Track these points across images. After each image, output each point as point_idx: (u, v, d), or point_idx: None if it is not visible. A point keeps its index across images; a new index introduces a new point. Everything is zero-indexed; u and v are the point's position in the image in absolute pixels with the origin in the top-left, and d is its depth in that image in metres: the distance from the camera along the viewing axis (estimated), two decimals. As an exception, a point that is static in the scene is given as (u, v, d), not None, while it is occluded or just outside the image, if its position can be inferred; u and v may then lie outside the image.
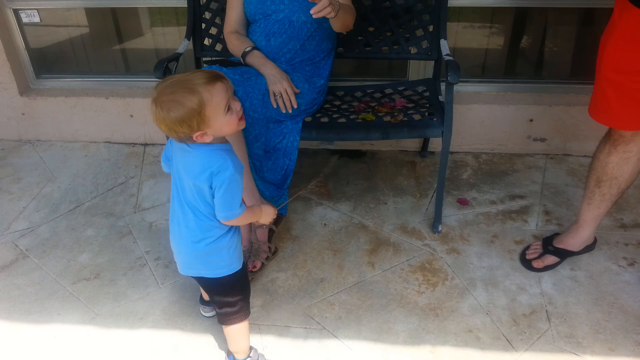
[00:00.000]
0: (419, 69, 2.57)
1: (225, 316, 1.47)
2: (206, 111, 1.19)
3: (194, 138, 1.22)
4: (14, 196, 2.43)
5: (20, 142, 2.88)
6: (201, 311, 1.75)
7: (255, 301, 1.80)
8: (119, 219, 2.25)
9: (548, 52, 2.58)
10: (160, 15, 2.74)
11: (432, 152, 2.62)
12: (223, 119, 1.23)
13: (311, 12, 1.68)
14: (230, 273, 1.41)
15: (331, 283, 1.87)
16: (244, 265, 1.47)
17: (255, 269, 1.85)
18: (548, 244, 1.91)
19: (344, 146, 2.68)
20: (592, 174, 1.77)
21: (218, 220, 1.32)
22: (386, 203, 2.28)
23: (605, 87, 1.57)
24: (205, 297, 1.69)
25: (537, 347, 1.60)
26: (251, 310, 1.75)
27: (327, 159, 2.62)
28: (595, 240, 1.94)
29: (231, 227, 1.38)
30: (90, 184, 2.49)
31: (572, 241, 1.88)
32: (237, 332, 1.50)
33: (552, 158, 2.54)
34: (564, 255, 1.89)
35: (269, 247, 1.93)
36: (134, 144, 2.81)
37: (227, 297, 1.45)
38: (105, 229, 2.18)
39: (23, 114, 2.83)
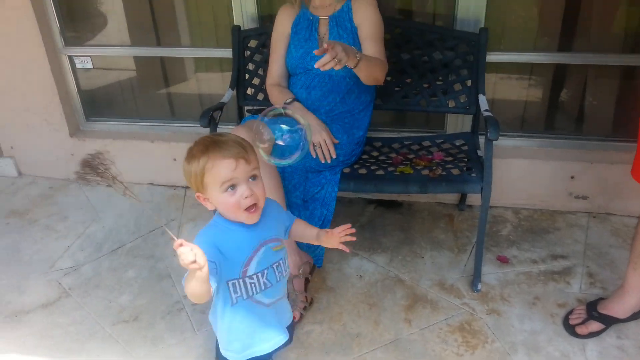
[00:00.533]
0: (457, 122, 2.58)
1: None
2: (205, 178, 1.16)
3: (197, 198, 1.22)
4: (59, 234, 2.51)
5: (67, 181, 2.99)
6: None
7: (289, 354, 1.79)
8: (159, 261, 2.29)
9: (588, 107, 2.57)
10: (204, 62, 2.85)
11: (470, 206, 2.60)
12: (219, 196, 1.17)
13: (315, 66, 1.64)
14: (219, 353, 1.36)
15: (367, 339, 1.85)
16: None
17: (295, 319, 1.85)
18: (592, 310, 1.85)
19: (380, 196, 2.69)
20: (638, 238, 1.72)
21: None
22: (423, 257, 2.27)
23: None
24: None
25: (582, 421, 1.53)
26: (286, 364, 1.75)
27: (363, 209, 2.63)
28: (643, 307, 1.87)
29: (219, 306, 1.29)
30: (133, 225, 2.56)
31: (618, 308, 1.82)
32: None
33: (594, 217, 2.48)
34: (609, 322, 1.83)
35: (306, 297, 1.93)
36: (176, 187, 2.88)
37: None
38: (146, 271, 2.23)
39: (72, 155, 2.95)
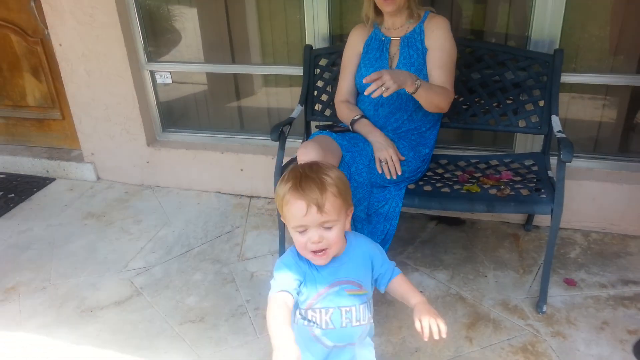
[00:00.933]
0: (526, 142, 2.54)
1: None
2: (283, 209, 1.20)
3: (282, 219, 1.25)
4: (133, 236, 2.66)
5: (142, 187, 3.17)
6: None
7: None
8: (224, 266, 2.38)
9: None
10: (274, 78, 2.96)
11: (537, 227, 2.53)
12: (292, 231, 1.21)
13: (365, 93, 1.78)
14: None
15: (426, 354, 1.84)
16: None
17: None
18: (667, 339, 1.76)
19: (442, 213, 2.67)
20: None
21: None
22: (486, 276, 2.23)
23: None
24: None
25: None
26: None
27: (425, 225, 2.63)
28: None
29: None
30: (201, 231, 2.67)
31: (696, 338, 1.73)
32: None
33: (671, 243, 2.36)
34: (685, 352, 1.73)
35: (366, 310, 1.94)
36: (241, 196, 2.99)
37: None
38: (212, 275, 2.32)
39: (147, 162, 3.13)
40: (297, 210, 1.15)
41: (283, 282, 1.21)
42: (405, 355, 1.84)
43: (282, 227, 2.26)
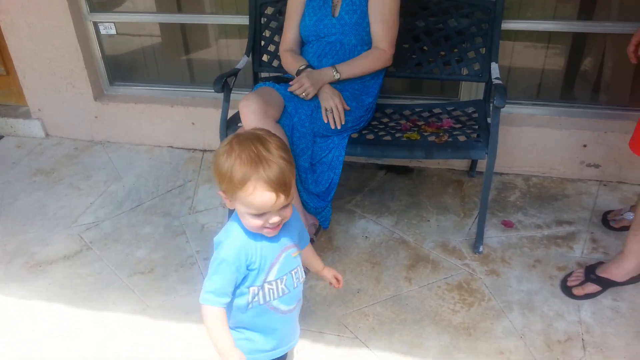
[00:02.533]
0: (471, 90, 2.58)
1: None
2: (238, 193, 1.07)
3: (219, 193, 1.14)
4: (82, 192, 2.64)
5: (92, 142, 3.12)
6: None
7: (293, 306, 1.88)
8: (175, 219, 2.40)
9: (605, 77, 2.53)
10: (225, 29, 2.90)
11: (481, 173, 2.61)
12: (245, 214, 1.11)
13: (290, 90, 1.99)
14: None
15: (367, 294, 1.92)
16: None
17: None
18: (591, 272, 1.88)
19: (391, 162, 2.73)
20: (639, 206, 1.74)
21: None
22: (429, 220, 2.31)
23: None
24: None
25: (569, 375, 1.59)
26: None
27: (374, 174, 2.68)
28: (642, 272, 1.89)
29: (234, 318, 1.21)
30: (152, 185, 2.67)
31: (616, 271, 1.85)
32: None
33: (605, 185, 2.48)
34: (606, 284, 1.85)
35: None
36: (194, 150, 2.98)
37: None
38: (162, 228, 2.34)
39: (96, 117, 3.07)
40: (265, 201, 1.06)
41: (219, 291, 1.14)
42: (348, 296, 1.92)
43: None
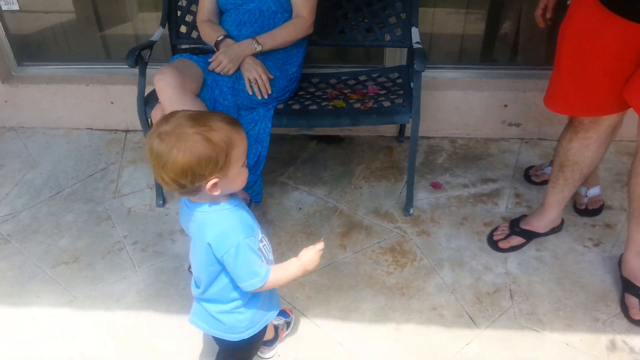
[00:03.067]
0: (395, 56, 2.60)
1: None
2: (232, 154, 1.06)
3: (207, 188, 1.07)
4: (-5, 183, 2.46)
5: (3, 129, 2.90)
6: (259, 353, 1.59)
7: (228, 283, 1.85)
8: (99, 204, 2.29)
9: (522, 39, 2.62)
10: (140, 1, 2.75)
11: (409, 138, 2.65)
12: (239, 171, 1.11)
13: (209, 68, 1.93)
14: (246, 337, 1.30)
15: (303, 265, 1.91)
16: (262, 330, 1.35)
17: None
18: (515, 226, 1.96)
19: (322, 132, 2.72)
20: (556, 159, 1.82)
21: (234, 291, 1.22)
22: (361, 187, 2.33)
23: (563, 75, 1.61)
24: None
25: (498, 324, 1.66)
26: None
27: (306, 145, 2.66)
28: (562, 222, 1.99)
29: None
30: (72, 170, 2.52)
31: (538, 223, 1.94)
32: None
33: (526, 142, 2.59)
34: (530, 236, 1.94)
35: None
36: (115, 131, 2.83)
37: (232, 356, 1.40)
38: (85, 214, 2.22)
39: (6, 102, 2.85)
40: (245, 140, 1.11)
41: (258, 265, 1.15)
42: (284, 269, 1.90)
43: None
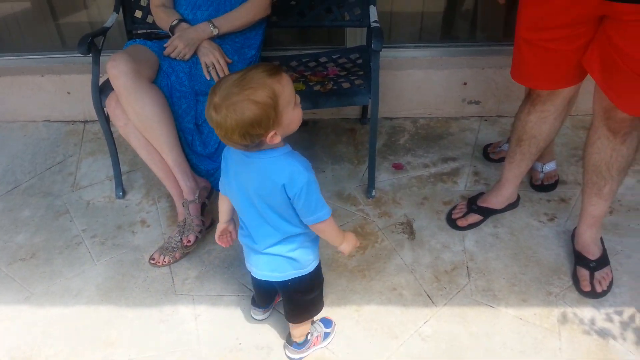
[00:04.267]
0: (356, 36, 2.58)
1: (305, 313, 1.49)
2: (280, 105, 1.11)
3: (267, 140, 1.14)
4: (-52, 180, 2.39)
5: (-45, 124, 2.82)
6: (252, 314, 1.68)
7: (190, 273, 1.85)
8: (57, 198, 2.24)
9: (480, 16, 2.62)
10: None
11: (372, 119, 2.66)
12: (292, 113, 1.17)
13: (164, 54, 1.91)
14: (315, 267, 1.41)
15: (265, 251, 1.91)
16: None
17: (189, 244, 1.88)
18: (472, 204, 1.99)
19: (285, 116, 2.69)
20: (514, 134, 1.83)
21: (301, 226, 1.29)
22: (324, 171, 2.33)
23: (521, 46, 1.61)
24: (262, 302, 1.64)
25: (455, 302, 1.69)
26: (186, 282, 1.81)
27: (269, 130, 2.64)
28: (518, 198, 2.02)
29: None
30: (29, 164, 2.46)
31: (495, 200, 1.97)
32: (306, 322, 1.52)
33: (486, 120, 2.61)
34: (487, 213, 1.97)
35: (203, 221, 1.95)
36: (74, 122, 2.77)
37: (310, 293, 1.45)
38: (42, 209, 2.18)
39: (-43, 96, 2.76)
40: (290, 83, 1.16)
41: (324, 201, 1.26)
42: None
43: (114, 149, 2.16)
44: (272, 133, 1.13)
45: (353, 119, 2.69)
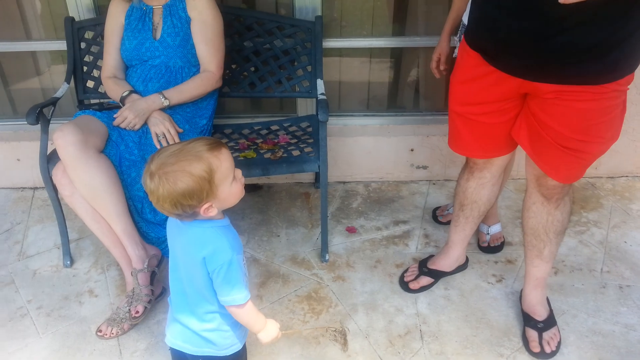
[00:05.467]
0: (307, 106, 2.69)
1: None
2: (215, 179, 1.12)
3: (202, 212, 1.15)
4: None
5: None
6: None
7: (139, 345, 1.80)
8: (1, 268, 2.16)
9: (423, 86, 2.79)
10: (48, 56, 2.69)
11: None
12: (230, 189, 1.17)
13: (114, 124, 1.95)
14: (236, 351, 1.35)
15: (218, 319, 1.89)
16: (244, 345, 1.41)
17: (138, 314, 1.83)
18: (423, 266, 2.05)
19: (240, 181, 2.73)
20: (456, 199, 1.93)
21: (218, 305, 1.26)
22: (279, 235, 2.35)
23: (455, 119, 1.73)
24: None
25: (409, 366, 1.70)
26: (135, 355, 1.75)
27: (223, 195, 2.66)
28: (467, 260, 2.10)
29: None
30: (-29, 234, 2.38)
31: (444, 262, 2.03)
32: None
33: (434, 184, 2.72)
34: (437, 275, 2.03)
35: (152, 290, 1.91)
36: (23, 189, 2.71)
37: None
38: (-16, 281, 2.09)
39: None
40: (229, 158, 1.17)
41: (244, 285, 1.23)
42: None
43: (61, 216, 2.12)
44: (206, 205, 1.14)
45: (307, 183, 2.76)
